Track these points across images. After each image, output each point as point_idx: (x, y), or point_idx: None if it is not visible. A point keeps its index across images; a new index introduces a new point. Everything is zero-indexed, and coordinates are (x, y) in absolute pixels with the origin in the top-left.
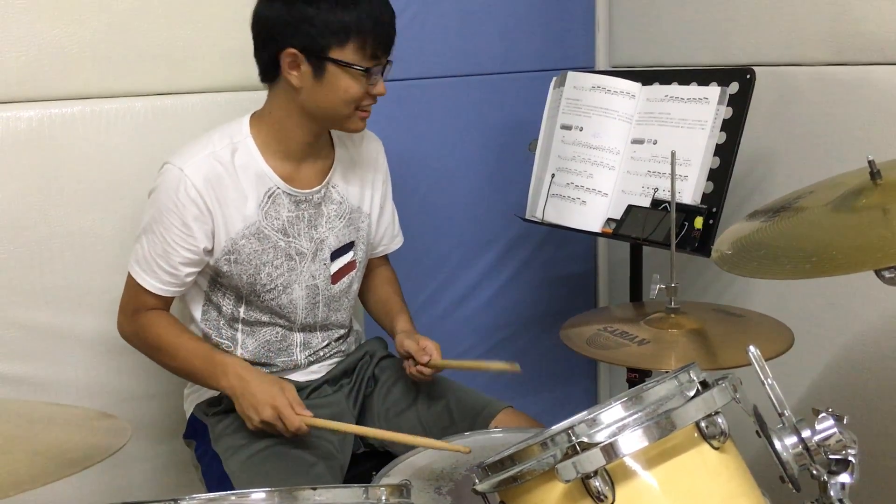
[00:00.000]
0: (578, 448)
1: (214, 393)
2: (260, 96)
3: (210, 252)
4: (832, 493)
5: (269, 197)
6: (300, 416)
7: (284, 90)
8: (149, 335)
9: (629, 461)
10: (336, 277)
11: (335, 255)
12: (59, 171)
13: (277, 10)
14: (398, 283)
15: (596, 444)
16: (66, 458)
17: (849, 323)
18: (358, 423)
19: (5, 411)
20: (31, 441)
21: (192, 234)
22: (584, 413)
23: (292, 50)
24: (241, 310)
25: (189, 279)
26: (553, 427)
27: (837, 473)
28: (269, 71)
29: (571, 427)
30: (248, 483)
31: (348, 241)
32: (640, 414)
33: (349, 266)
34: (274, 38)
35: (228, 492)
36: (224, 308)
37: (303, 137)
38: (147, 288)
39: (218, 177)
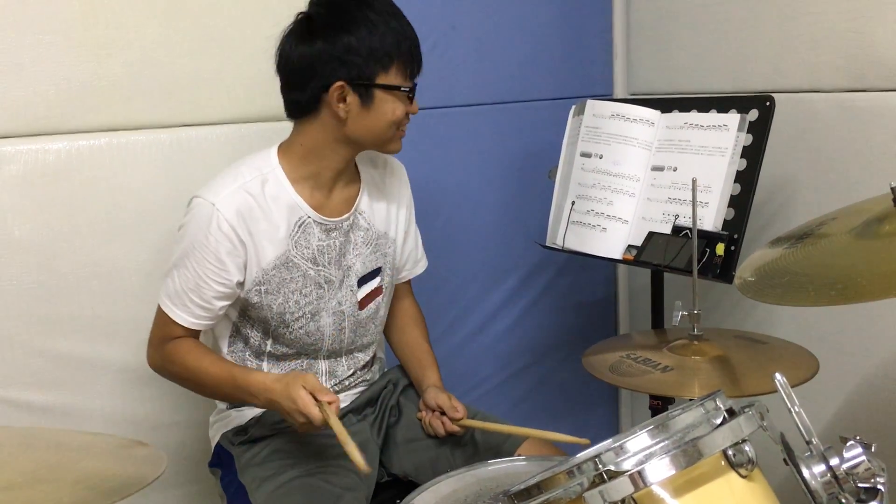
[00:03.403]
0: (605, 476)
1: (240, 422)
2: (284, 126)
3: (241, 284)
4: None
5: (299, 226)
6: (321, 413)
7: (322, 121)
8: (174, 363)
9: (656, 489)
10: (363, 303)
11: (362, 281)
12: (87, 202)
13: (319, 47)
14: (425, 325)
15: (623, 473)
16: (106, 486)
17: (874, 349)
18: (382, 452)
19: (44, 440)
20: (72, 470)
21: (226, 268)
22: (611, 441)
23: (340, 83)
24: (268, 343)
25: (222, 312)
26: (580, 455)
27: (867, 502)
28: (308, 106)
29: (598, 455)
30: None
31: (375, 268)
32: (666, 442)
33: (376, 291)
34: (318, 75)
35: None
36: (251, 340)
37: (336, 165)
38: (179, 322)
39: (250, 209)
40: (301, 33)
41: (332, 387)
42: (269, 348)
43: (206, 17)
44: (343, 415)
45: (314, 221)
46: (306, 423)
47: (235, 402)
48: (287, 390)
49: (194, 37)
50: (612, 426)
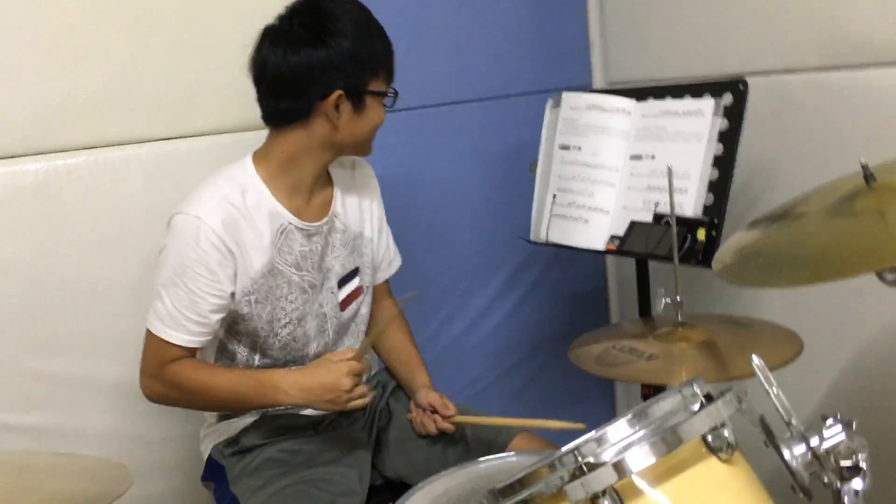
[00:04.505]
0: (586, 468)
1: (231, 433)
2: (262, 135)
3: (232, 295)
4: (846, 500)
5: (281, 233)
6: (361, 397)
7: (311, 129)
8: (183, 384)
9: (637, 479)
10: (344, 304)
11: (342, 282)
12: (68, 221)
13: (319, 55)
14: (408, 327)
15: (603, 464)
16: None
17: (859, 327)
18: (374, 455)
19: (8, 464)
20: (33, 494)
21: (219, 279)
22: (591, 433)
23: (339, 92)
24: (256, 358)
25: (217, 325)
26: (561, 448)
27: (849, 480)
28: (299, 114)
29: (578, 447)
30: None
31: (353, 268)
32: (645, 430)
33: (356, 292)
34: (317, 83)
35: None
36: (238, 356)
37: (315, 170)
38: (176, 343)
39: (234, 220)
40: (291, 42)
41: None
42: (256, 363)
43: (178, 29)
44: (333, 418)
45: (295, 228)
46: (344, 394)
47: (254, 406)
48: (323, 383)
49: (167, 50)
50: (609, 417)
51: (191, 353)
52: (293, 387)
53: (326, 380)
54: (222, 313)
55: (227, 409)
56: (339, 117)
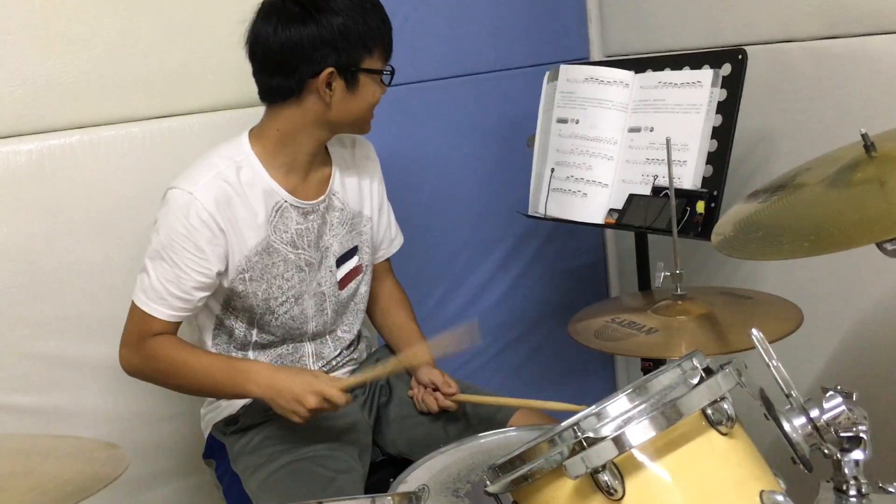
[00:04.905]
0: (585, 443)
1: (231, 411)
2: (256, 112)
3: (223, 274)
4: (846, 471)
5: (276, 211)
6: (342, 393)
7: (304, 106)
8: (159, 359)
9: (637, 453)
10: (343, 283)
11: (340, 261)
12: (62, 201)
13: (309, 31)
14: (410, 305)
15: (603, 438)
16: (62, 491)
17: (860, 299)
18: (375, 432)
19: (3, 448)
20: (27, 477)
21: (206, 257)
22: (590, 407)
23: (330, 69)
24: (254, 333)
25: (200, 303)
26: (561, 424)
27: (850, 451)
28: (291, 91)
29: (577, 423)
30: (269, 502)
31: (352, 247)
32: (645, 405)
33: (355, 271)
34: (308, 60)
35: None
36: (236, 332)
37: (311, 148)
38: (157, 316)
39: (227, 197)
40: (283, 17)
41: (319, 368)
42: (254, 338)
43: (170, 6)
44: None
45: (291, 205)
46: (305, 410)
47: (225, 393)
48: (296, 379)
49: (159, 27)
50: (609, 391)
51: (172, 328)
52: (264, 380)
53: (296, 388)
54: (206, 292)
55: (198, 392)
56: (331, 95)
